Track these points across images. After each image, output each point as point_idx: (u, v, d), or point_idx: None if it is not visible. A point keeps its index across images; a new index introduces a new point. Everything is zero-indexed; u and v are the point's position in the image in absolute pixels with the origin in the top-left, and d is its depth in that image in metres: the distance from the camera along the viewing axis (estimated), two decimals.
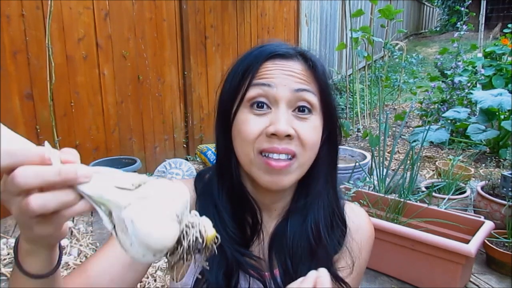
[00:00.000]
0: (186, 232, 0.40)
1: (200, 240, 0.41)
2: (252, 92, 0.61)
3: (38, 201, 0.35)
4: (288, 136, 0.58)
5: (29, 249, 0.43)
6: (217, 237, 0.43)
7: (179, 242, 0.40)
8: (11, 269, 1.88)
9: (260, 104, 0.60)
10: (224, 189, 0.67)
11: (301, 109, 0.61)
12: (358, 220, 0.74)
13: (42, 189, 0.36)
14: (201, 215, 0.65)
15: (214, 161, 0.71)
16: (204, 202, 0.67)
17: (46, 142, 0.39)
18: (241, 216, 0.66)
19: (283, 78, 0.61)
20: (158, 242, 0.38)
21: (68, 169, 0.36)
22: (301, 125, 0.60)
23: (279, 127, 0.58)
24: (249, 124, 0.60)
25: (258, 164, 0.60)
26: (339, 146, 0.70)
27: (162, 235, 0.38)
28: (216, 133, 0.68)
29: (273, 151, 0.58)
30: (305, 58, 0.64)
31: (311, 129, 0.61)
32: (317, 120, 0.63)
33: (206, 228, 0.42)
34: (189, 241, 0.40)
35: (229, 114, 0.63)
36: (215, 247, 0.43)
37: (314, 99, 0.62)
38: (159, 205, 0.39)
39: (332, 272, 0.67)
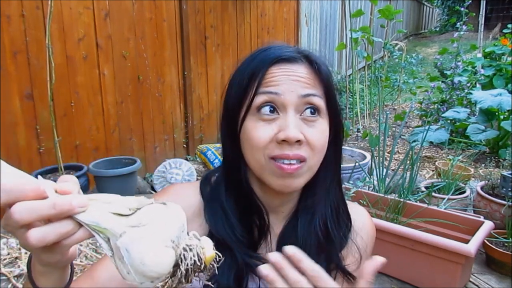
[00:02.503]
0: (184, 256, 0.41)
1: (199, 263, 0.41)
2: (259, 100, 0.61)
3: (37, 235, 0.36)
4: (298, 141, 0.59)
5: (42, 270, 0.45)
6: (218, 255, 0.44)
7: (177, 266, 0.40)
8: (11, 269, 1.88)
9: (269, 109, 0.61)
10: (231, 193, 0.67)
11: (308, 112, 0.62)
12: (362, 219, 0.76)
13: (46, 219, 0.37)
14: (209, 220, 0.67)
15: (215, 161, 0.71)
16: (212, 208, 0.68)
17: (40, 176, 0.40)
18: (249, 218, 0.67)
19: (289, 84, 0.61)
20: (153, 270, 0.38)
21: (63, 201, 0.37)
22: (309, 129, 0.61)
23: (289, 133, 0.58)
24: (259, 131, 0.60)
25: (269, 169, 0.61)
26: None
27: (156, 264, 0.38)
28: (223, 139, 0.68)
29: (285, 157, 0.59)
30: (310, 60, 0.64)
31: (319, 133, 0.62)
32: (324, 123, 0.63)
33: (204, 250, 0.42)
34: (187, 265, 0.41)
35: (236, 121, 0.64)
36: (215, 266, 0.44)
37: (320, 102, 0.62)
38: (154, 232, 0.39)
39: (340, 267, 0.68)
